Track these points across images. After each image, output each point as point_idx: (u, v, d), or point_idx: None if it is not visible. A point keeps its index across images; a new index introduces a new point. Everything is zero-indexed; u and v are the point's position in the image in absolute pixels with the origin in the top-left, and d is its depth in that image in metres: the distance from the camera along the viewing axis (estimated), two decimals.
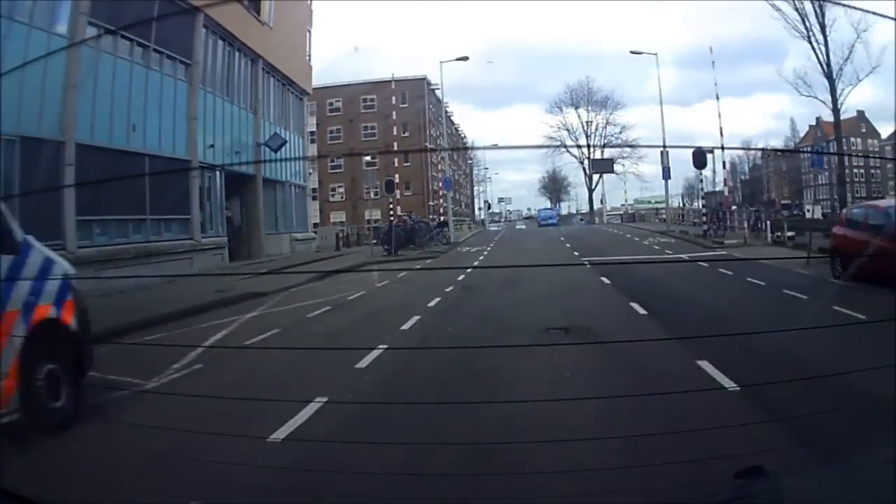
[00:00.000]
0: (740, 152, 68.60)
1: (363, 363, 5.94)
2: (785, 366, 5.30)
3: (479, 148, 68.66)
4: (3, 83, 7.47)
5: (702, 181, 29.46)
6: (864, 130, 71.26)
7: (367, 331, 8.16)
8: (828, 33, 17.14)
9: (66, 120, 12.79)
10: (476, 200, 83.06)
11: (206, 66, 17.72)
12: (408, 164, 57.42)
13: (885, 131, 70.09)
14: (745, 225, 22.68)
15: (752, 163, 77.05)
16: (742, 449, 2.92)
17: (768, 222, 21.78)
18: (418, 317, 8.66)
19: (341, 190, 57.35)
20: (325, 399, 4.77)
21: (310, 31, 27.76)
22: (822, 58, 17.65)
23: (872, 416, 3.49)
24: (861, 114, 69.48)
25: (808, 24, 17.43)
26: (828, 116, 59.36)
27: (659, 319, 7.86)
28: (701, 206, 27.27)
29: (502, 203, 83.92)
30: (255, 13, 21.46)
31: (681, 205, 37.07)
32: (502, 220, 79.07)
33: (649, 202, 58.30)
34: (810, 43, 17.70)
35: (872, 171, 72.58)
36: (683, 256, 17.27)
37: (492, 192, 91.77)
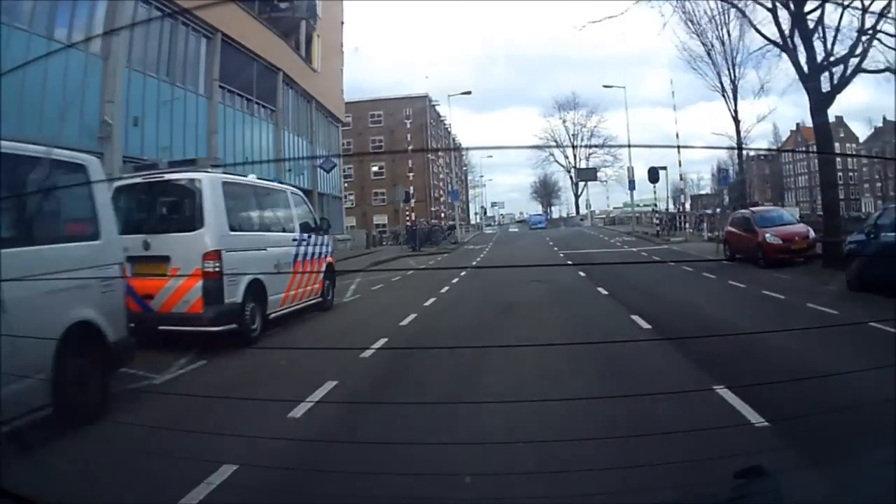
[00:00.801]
0: (725, 156, 73.18)
1: (443, 291, 12.31)
2: (658, 301, 11.69)
3: (472, 148, 74.79)
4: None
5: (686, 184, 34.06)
6: (842, 135, 76.81)
7: (434, 283, 14.36)
8: (737, 88, 23.21)
9: (210, 155, 18.96)
10: (472, 205, 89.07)
11: (285, 110, 24.03)
12: (412, 172, 63.68)
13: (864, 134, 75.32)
14: (689, 226, 29.28)
15: (737, 165, 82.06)
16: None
17: (705, 224, 28.32)
18: (457, 278, 15.08)
19: (352, 197, 63.35)
20: (434, 298, 11.15)
21: (342, 71, 34.12)
22: (731, 107, 23.80)
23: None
24: (839, 119, 75.04)
25: (722, 81, 23.49)
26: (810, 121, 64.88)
27: (593, 280, 14.11)
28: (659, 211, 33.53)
29: (495, 207, 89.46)
30: (308, 63, 27.74)
31: (653, 208, 43.10)
32: (495, 223, 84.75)
33: (637, 205, 63.22)
34: (723, 96, 23.79)
35: (851, 173, 78.68)
36: (632, 249, 23.70)
37: (486, 195, 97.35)
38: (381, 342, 7.37)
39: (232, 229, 7.49)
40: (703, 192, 71.40)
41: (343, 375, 5.80)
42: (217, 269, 7.09)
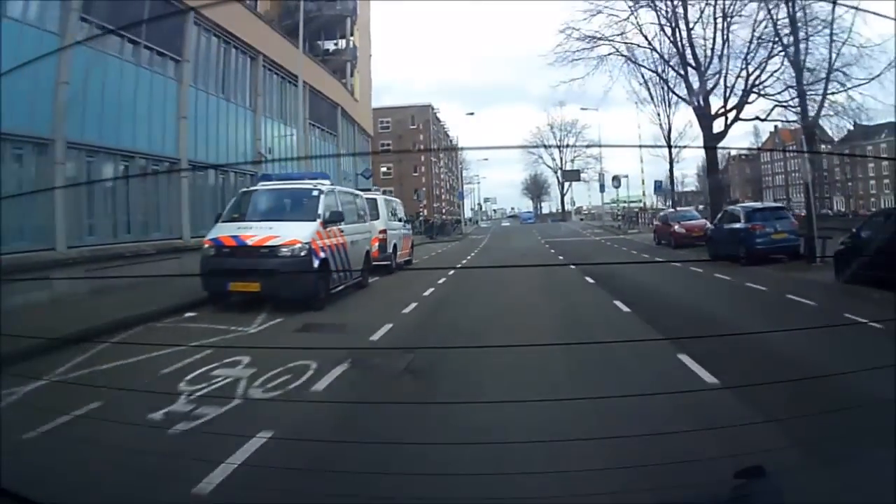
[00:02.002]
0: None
1: (469, 257, 21.08)
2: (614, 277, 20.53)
3: (467, 148, 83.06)
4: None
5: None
6: (817, 137, 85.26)
7: (460, 254, 23.09)
8: (671, 115, 31.61)
9: (303, 163, 27.40)
10: (466, 200, 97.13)
11: (342, 135, 32.67)
12: (416, 174, 72.34)
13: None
14: (642, 221, 38.30)
15: (721, 164, 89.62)
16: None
17: (655, 221, 37.28)
18: (472, 254, 23.82)
19: None
20: (465, 259, 19.92)
21: (370, 95, 42.65)
22: (665, 133, 32.31)
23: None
24: (815, 122, 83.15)
25: (660, 116, 31.93)
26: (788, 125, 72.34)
27: (564, 258, 22.84)
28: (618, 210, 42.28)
29: (488, 202, 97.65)
30: (351, 94, 36.25)
31: (620, 207, 51.85)
32: (489, 218, 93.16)
33: (625, 201, 66.90)
34: (659, 121, 32.17)
35: (825, 174, 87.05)
36: (596, 238, 32.59)
37: (479, 192, 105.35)
38: (452, 272, 16.05)
39: (389, 219, 16.19)
40: (687, 189, 79.00)
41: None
42: (384, 237, 15.75)
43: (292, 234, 9.95)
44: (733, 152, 70.66)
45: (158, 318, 9.46)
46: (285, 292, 9.58)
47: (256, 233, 10.10)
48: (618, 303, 9.69)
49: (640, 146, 39.67)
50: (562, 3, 23.60)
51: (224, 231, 10.47)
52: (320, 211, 10.62)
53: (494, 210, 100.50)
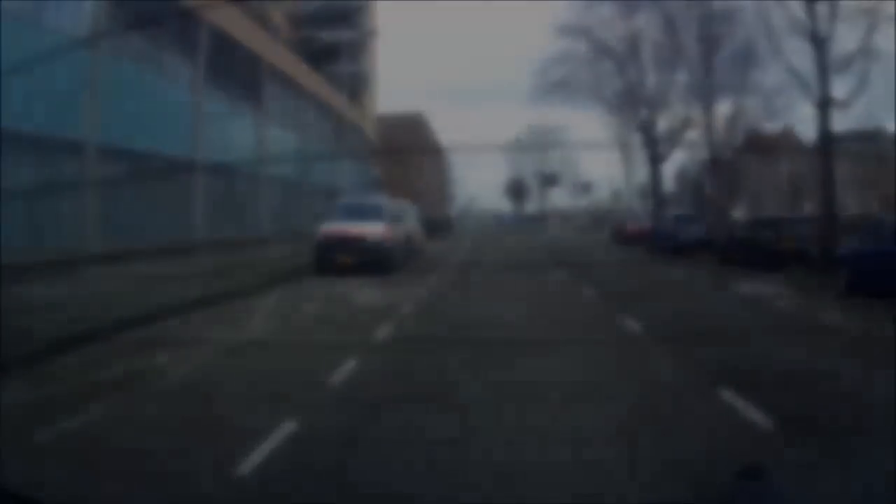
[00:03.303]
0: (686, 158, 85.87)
1: (466, 248, 28.21)
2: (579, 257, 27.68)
3: (452, 149, 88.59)
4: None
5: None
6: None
7: (460, 246, 30.00)
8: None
9: (336, 179, 34.09)
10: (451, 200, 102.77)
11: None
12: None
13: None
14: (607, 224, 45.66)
15: (698, 168, 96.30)
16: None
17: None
18: (468, 246, 30.81)
19: None
20: (467, 248, 26.98)
21: (375, 110, 49.55)
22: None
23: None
24: (790, 127, 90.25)
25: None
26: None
27: (540, 248, 29.83)
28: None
29: (471, 202, 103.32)
30: (365, 114, 43.07)
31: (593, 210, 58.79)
32: (472, 217, 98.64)
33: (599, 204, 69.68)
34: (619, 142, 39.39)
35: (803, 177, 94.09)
36: (566, 236, 39.73)
37: (464, 193, 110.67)
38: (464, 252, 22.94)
39: (416, 220, 23.13)
40: (666, 190, 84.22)
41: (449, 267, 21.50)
42: (410, 233, 22.59)
43: (373, 228, 16.86)
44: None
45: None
46: (369, 263, 16.46)
47: (351, 228, 16.95)
48: (560, 268, 16.78)
49: (609, 145, 46.60)
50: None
51: (331, 227, 17.34)
52: (386, 216, 17.54)
53: (477, 210, 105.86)
